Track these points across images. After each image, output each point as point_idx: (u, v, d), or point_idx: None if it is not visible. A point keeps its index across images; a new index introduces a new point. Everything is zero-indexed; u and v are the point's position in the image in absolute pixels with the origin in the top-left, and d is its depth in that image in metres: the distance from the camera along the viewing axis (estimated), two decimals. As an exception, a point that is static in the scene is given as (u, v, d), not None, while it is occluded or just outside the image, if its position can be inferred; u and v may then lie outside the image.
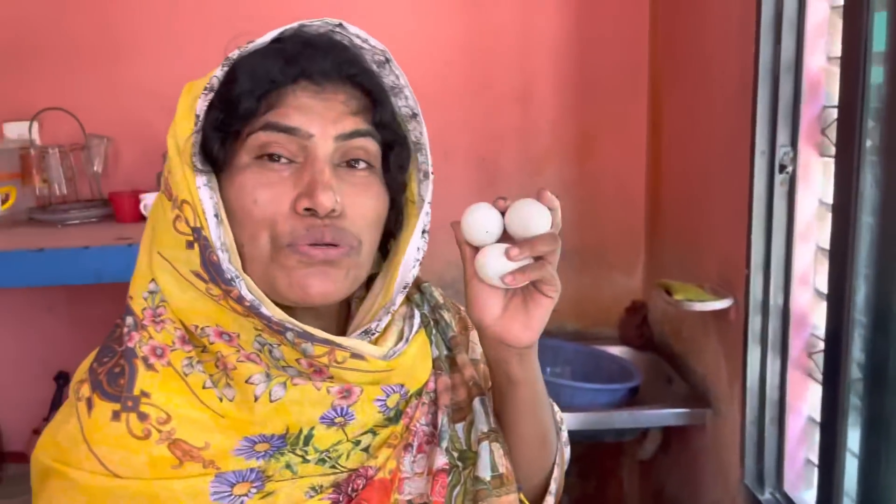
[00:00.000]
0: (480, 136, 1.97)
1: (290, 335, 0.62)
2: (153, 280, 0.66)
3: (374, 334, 0.69)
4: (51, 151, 1.71)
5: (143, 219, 1.70)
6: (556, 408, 0.84)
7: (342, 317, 0.74)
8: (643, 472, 2.09)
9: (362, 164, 0.67)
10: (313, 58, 0.64)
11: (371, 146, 0.67)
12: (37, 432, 1.90)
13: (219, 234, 0.62)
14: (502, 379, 0.72)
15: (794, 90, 1.30)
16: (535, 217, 0.64)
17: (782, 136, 1.32)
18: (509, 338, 0.68)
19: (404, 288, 0.71)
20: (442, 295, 0.83)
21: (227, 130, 0.63)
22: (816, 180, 1.33)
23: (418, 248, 0.71)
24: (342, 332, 0.72)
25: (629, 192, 2.02)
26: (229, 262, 0.62)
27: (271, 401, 0.63)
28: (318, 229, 0.63)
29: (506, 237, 0.66)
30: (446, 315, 0.80)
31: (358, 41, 0.68)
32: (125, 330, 0.66)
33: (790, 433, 1.42)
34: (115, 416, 0.62)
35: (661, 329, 1.95)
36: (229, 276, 0.61)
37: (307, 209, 0.62)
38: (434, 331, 0.79)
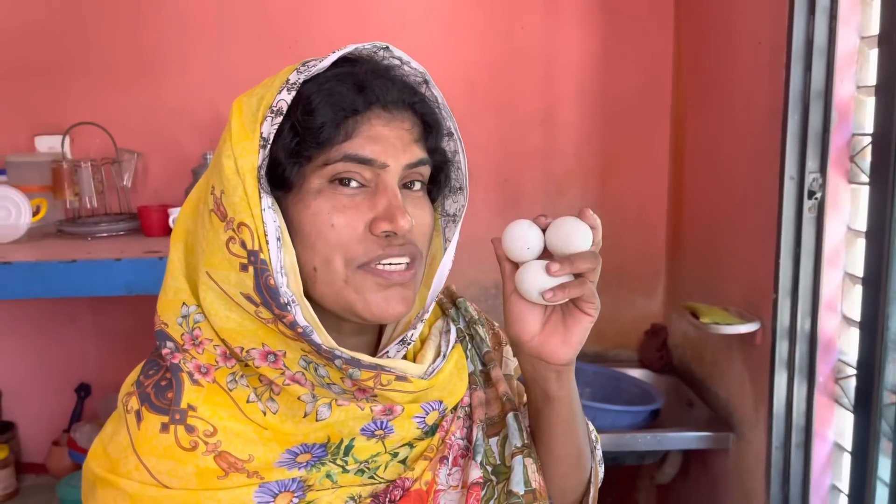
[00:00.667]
0: (504, 157, 1.99)
1: (338, 362, 0.64)
2: (184, 304, 0.68)
3: (409, 343, 0.72)
4: (83, 165, 1.73)
5: (170, 232, 1.72)
6: (591, 426, 0.85)
7: (376, 330, 0.76)
8: (661, 497, 2.08)
9: (418, 185, 0.70)
10: (384, 87, 0.66)
11: (426, 171, 0.70)
12: (56, 444, 1.90)
13: (279, 257, 0.63)
14: (539, 396, 0.73)
15: (824, 117, 1.32)
16: (576, 234, 0.66)
17: (811, 163, 1.33)
18: (547, 355, 0.69)
19: (436, 297, 0.74)
20: (477, 310, 0.85)
21: (301, 156, 0.64)
22: (845, 206, 1.34)
23: (450, 260, 0.74)
24: (378, 339, 0.75)
25: (650, 214, 2.04)
26: (287, 287, 0.63)
27: (318, 420, 0.65)
28: (395, 248, 0.66)
29: (546, 255, 0.68)
30: (481, 330, 0.82)
31: (397, 63, 0.70)
32: (166, 352, 0.68)
33: (816, 459, 1.41)
34: (164, 427, 0.64)
35: (682, 352, 1.95)
36: (285, 301, 0.62)
37: (386, 232, 0.64)
38: (469, 345, 0.81)
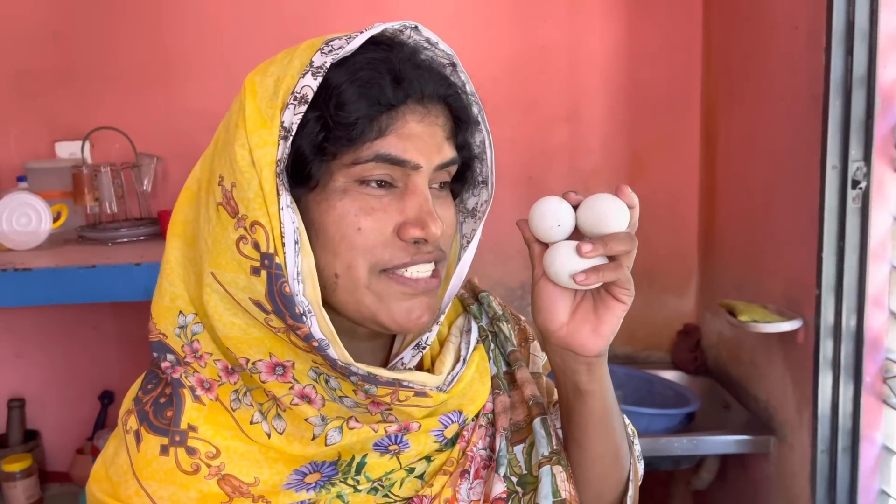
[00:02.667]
0: (528, 154, 1.94)
1: (353, 378, 0.59)
2: (181, 312, 0.63)
3: (425, 347, 0.67)
4: (103, 170, 1.72)
5: (191, 237, 1.70)
6: (627, 419, 0.80)
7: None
8: (696, 502, 2.01)
9: (443, 184, 0.65)
10: (422, 79, 0.60)
11: (454, 169, 0.66)
12: (80, 452, 1.88)
13: (296, 262, 0.57)
14: (570, 390, 0.68)
15: (867, 103, 1.25)
16: (612, 213, 0.60)
17: (855, 151, 1.27)
18: (577, 346, 0.63)
19: (452, 297, 0.69)
20: (501, 305, 0.79)
21: (326, 151, 0.58)
22: (891, 196, 1.27)
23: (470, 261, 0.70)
24: (391, 342, 0.70)
25: (681, 211, 1.97)
26: (303, 295, 0.57)
27: (327, 444, 0.61)
28: (423, 255, 0.61)
29: (577, 236, 0.62)
30: (505, 327, 0.76)
31: (427, 44, 0.65)
32: (167, 365, 0.63)
33: (864, 463, 1.35)
34: (164, 450, 0.60)
35: (717, 353, 1.88)
36: (300, 311, 0.57)
37: (415, 238, 0.60)
38: (493, 345, 0.75)
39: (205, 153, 0.64)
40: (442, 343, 0.71)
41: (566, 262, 0.60)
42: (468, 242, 0.70)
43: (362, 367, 0.59)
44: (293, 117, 0.57)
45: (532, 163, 1.95)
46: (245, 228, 0.57)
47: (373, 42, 0.61)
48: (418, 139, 0.60)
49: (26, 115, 1.86)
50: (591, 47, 1.92)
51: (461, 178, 0.69)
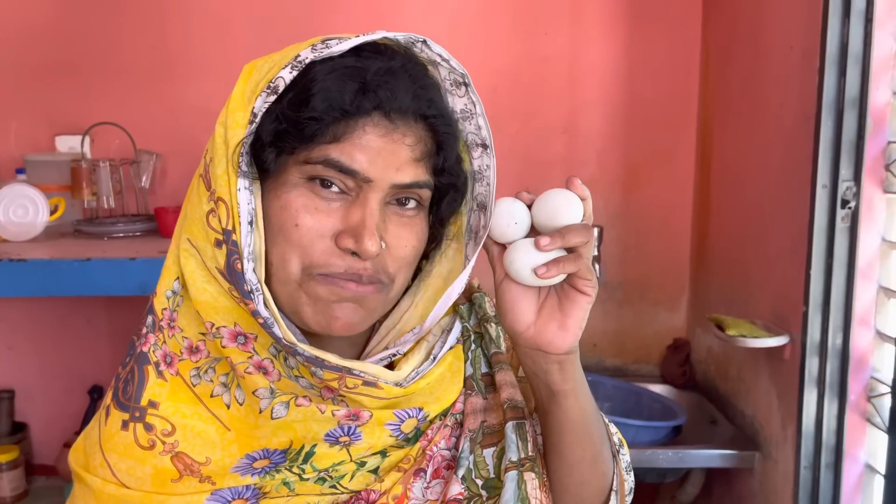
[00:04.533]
0: (525, 164, 1.96)
1: (299, 358, 0.60)
2: (178, 278, 0.64)
3: (396, 356, 0.67)
4: (102, 165, 1.73)
5: (187, 234, 1.70)
6: (614, 428, 0.78)
7: (368, 329, 0.69)
8: (681, 517, 2.02)
9: (412, 204, 0.64)
10: (393, 90, 0.59)
11: (425, 194, 0.64)
12: (67, 446, 1.88)
13: (248, 241, 0.59)
14: (544, 393, 0.66)
15: (859, 124, 1.27)
16: (565, 207, 0.60)
17: (845, 171, 1.28)
18: (545, 344, 0.62)
19: (438, 320, 0.67)
20: (495, 306, 0.76)
21: (283, 146, 0.59)
22: (880, 217, 1.29)
23: (464, 282, 0.67)
24: (364, 346, 0.70)
25: (675, 226, 1.99)
26: (252, 273, 0.59)
27: (272, 418, 0.61)
28: (356, 270, 0.60)
29: (533, 234, 0.62)
30: (492, 329, 0.74)
31: (438, 59, 0.64)
32: (144, 331, 0.65)
33: (846, 480, 1.35)
34: (124, 425, 0.63)
35: (706, 368, 1.89)
36: (249, 289, 0.58)
37: (350, 250, 0.59)
38: (473, 346, 0.73)
39: None
40: (417, 342, 0.70)
41: (525, 258, 0.60)
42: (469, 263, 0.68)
43: (308, 349, 0.59)
44: (262, 105, 0.58)
45: (528, 173, 1.96)
46: (213, 202, 0.59)
47: (374, 50, 0.61)
48: (375, 153, 0.59)
49: (27, 109, 1.88)
50: (591, 61, 1.93)
51: (442, 201, 0.67)
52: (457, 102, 0.66)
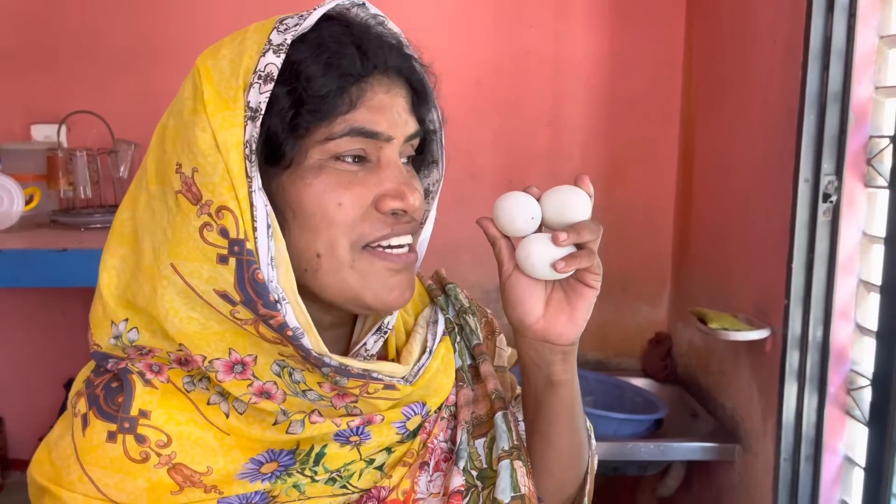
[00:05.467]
0: (509, 157, 1.95)
1: (325, 370, 0.58)
2: (112, 322, 0.61)
3: (386, 332, 0.67)
4: (78, 154, 1.70)
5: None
6: (586, 416, 0.81)
7: (350, 317, 0.70)
8: (662, 510, 2.03)
9: (410, 158, 0.66)
10: (383, 49, 0.61)
11: (416, 143, 0.66)
12: (42, 440, 1.85)
13: (269, 247, 0.55)
14: (542, 382, 0.69)
15: (841, 119, 1.28)
16: (576, 203, 0.62)
17: (827, 165, 1.29)
18: (554, 336, 0.65)
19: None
20: (468, 297, 0.78)
21: (298, 128, 0.57)
22: (861, 211, 1.30)
23: (425, 241, 0.70)
24: (352, 321, 0.69)
25: (657, 220, 2.00)
26: (277, 282, 0.56)
27: (288, 433, 0.60)
28: (403, 226, 0.61)
29: (539, 227, 0.64)
30: (471, 320, 0.75)
31: (373, 22, 0.64)
32: (110, 364, 0.61)
33: (826, 473, 1.37)
34: (111, 437, 0.58)
35: (687, 362, 1.90)
36: (275, 299, 0.55)
37: (394, 210, 0.60)
38: (458, 338, 0.75)
39: (149, 150, 0.62)
40: (408, 334, 0.71)
41: (543, 253, 0.61)
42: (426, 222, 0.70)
43: (336, 358, 0.58)
44: (260, 96, 0.56)
45: (512, 166, 1.96)
46: (210, 215, 0.55)
47: (326, 19, 0.61)
48: (388, 111, 0.60)
49: (2, 97, 1.84)
50: (575, 54, 1.93)
51: (419, 153, 0.69)
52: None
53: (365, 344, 0.66)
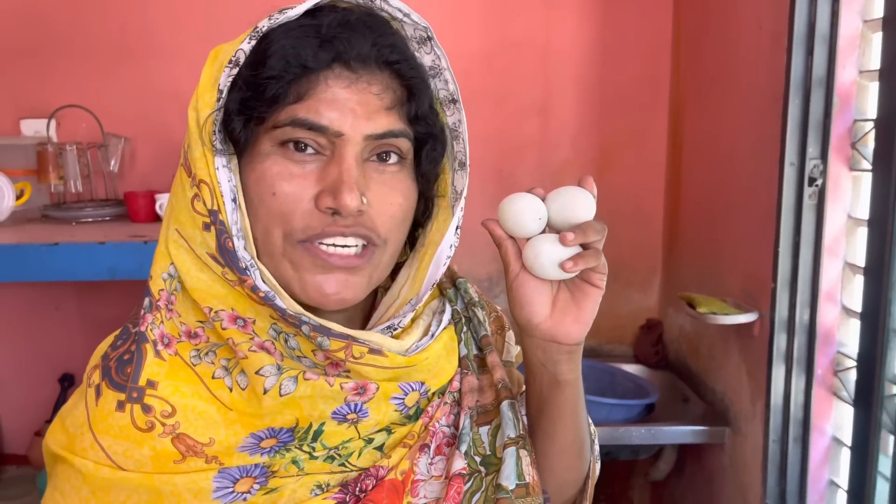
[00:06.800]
0: (499, 147, 1.96)
1: (305, 328, 0.59)
2: (172, 262, 0.63)
3: (397, 329, 0.67)
4: (68, 149, 1.70)
5: (157, 219, 1.68)
6: (590, 419, 0.80)
7: (367, 305, 0.70)
8: (655, 494, 2.05)
9: (393, 158, 0.63)
10: (351, 40, 0.58)
11: (403, 144, 0.63)
12: (38, 435, 1.86)
13: (235, 219, 0.59)
14: (548, 381, 0.68)
15: (826, 103, 1.29)
16: (582, 204, 0.62)
17: (812, 149, 1.31)
18: (561, 336, 0.65)
19: (433, 285, 0.67)
20: (477, 292, 0.79)
21: (250, 113, 0.59)
22: (846, 194, 1.31)
23: (451, 246, 0.67)
24: (365, 322, 0.70)
25: (647, 207, 2.01)
26: (244, 250, 0.59)
27: (281, 395, 0.60)
28: (339, 227, 0.59)
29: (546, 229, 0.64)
30: (480, 313, 0.76)
31: (399, 14, 0.64)
32: (141, 312, 0.64)
33: (814, 453, 1.39)
34: (120, 406, 0.60)
35: (678, 347, 1.92)
36: (244, 265, 0.59)
37: (330, 208, 0.58)
38: (465, 328, 0.75)
39: None
40: (413, 320, 0.71)
41: (551, 253, 0.62)
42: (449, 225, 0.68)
43: (314, 317, 0.59)
44: (227, 80, 0.59)
45: (502, 156, 1.97)
46: (196, 187, 0.59)
47: (332, 9, 0.61)
48: (342, 105, 0.58)
49: (-10, 91, 1.83)
50: (564, 43, 1.94)
51: (424, 154, 0.66)
52: (424, 59, 0.66)
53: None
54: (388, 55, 0.61)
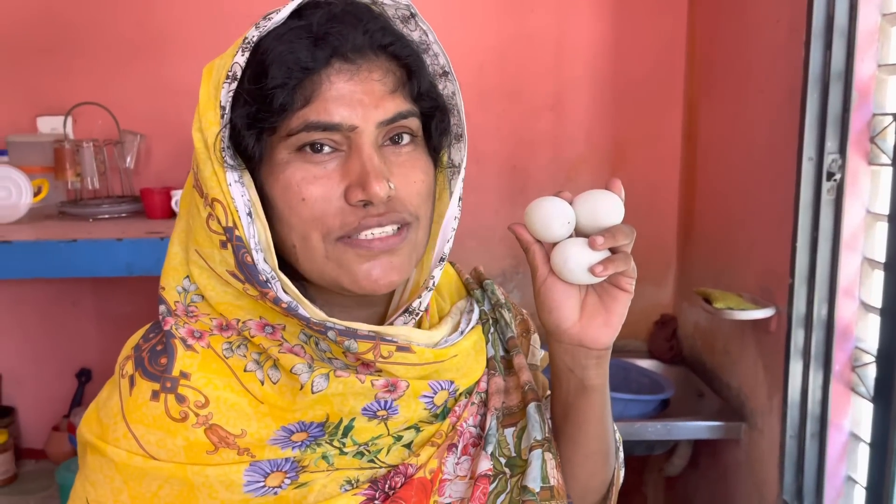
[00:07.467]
0: (512, 143, 1.96)
1: (331, 334, 0.60)
2: (188, 276, 0.64)
3: (416, 313, 0.67)
4: (85, 146, 1.71)
5: (173, 215, 1.69)
6: (615, 427, 0.80)
7: (387, 294, 0.70)
8: (669, 489, 2.05)
9: (406, 139, 0.63)
10: (343, 33, 0.59)
11: (413, 123, 0.63)
12: (56, 429, 1.88)
13: (252, 233, 0.60)
14: (575, 386, 0.68)
15: (844, 97, 1.28)
16: (609, 207, 0.62)
17: (831, 144, 1.30)
18: (589, 340, 0.65)
19: (441, 261, 0.68)
20: (504, 294, 0.80)
21: (262, 125, 0.59)
22: (864, 189, 1.30)
23: (455, 217, 0.68)
24: (387, 309, 0.70)
25: (661, 202, 2.00)
26: (264, 262, 0.60)
27: (313, 392, 0.61)
28: (374, 218, 0.60)
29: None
30: (506, 315, 0.76)
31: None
32: (160, 317, 0.65)
33: (831, 449, 1.38)
34: (154, 396, 0.61)
35: (693, 343, 1.91)
36: (264, 278, 0.59)
37: (362, 201, 0.59)
38: (492, 329, 0.76)
39: None
40: (442, 318, 0.72)
41: (580, 257, 0.62)
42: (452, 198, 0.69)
43: (339, 322, 0.60)
44: (227, 96, 0.59)
45: (516, 151, 1.96)
46: (210, 206, 0.60)
47: (314, 6, 0.61)
48: (349, 99, 0.59)
49: (8, 89, 1.84)
50: (578, 38, 1.93)
51: (433, 128, 0.66)
52: (412, 36, 0.66)
53: (392, 324, 0.67)
54: (381, 39, 0.61)
